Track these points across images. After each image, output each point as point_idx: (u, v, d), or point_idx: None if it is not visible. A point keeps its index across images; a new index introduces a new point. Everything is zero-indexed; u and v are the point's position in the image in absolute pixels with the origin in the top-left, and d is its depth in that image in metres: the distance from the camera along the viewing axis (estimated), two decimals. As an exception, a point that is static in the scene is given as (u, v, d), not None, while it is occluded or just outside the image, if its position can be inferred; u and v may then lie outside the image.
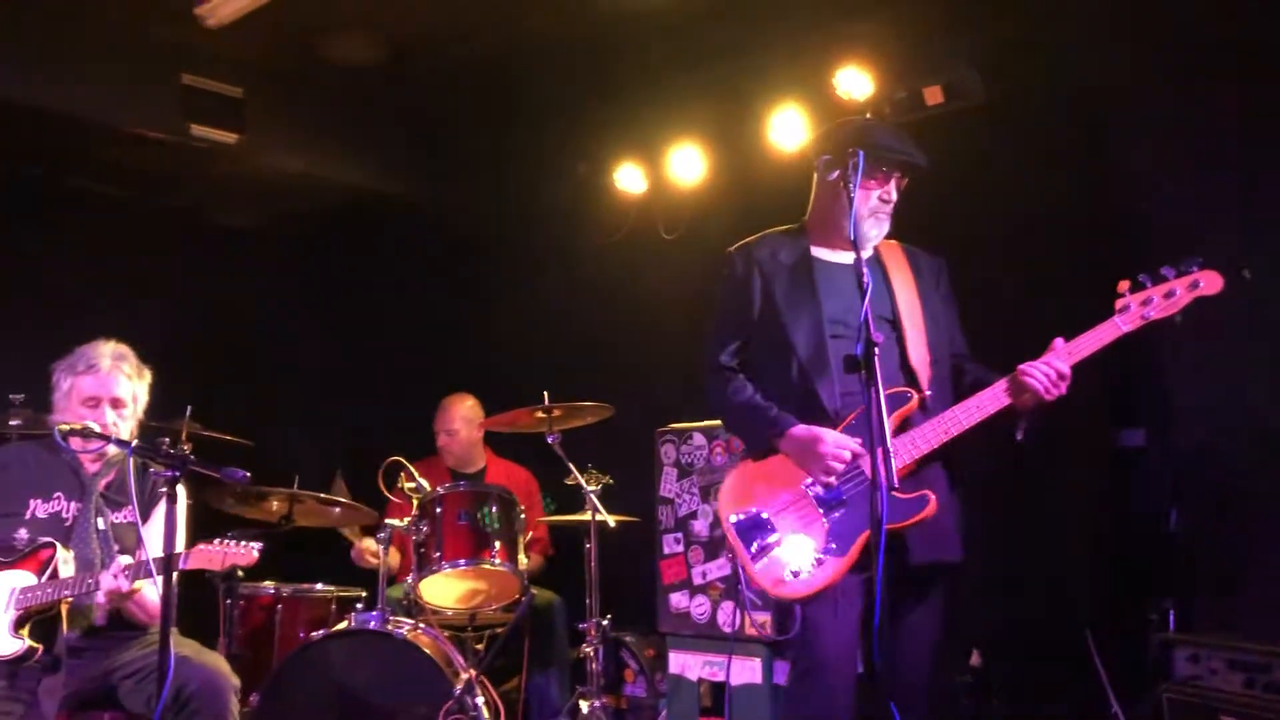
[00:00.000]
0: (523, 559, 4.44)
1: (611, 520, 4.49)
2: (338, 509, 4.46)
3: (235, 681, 3.34)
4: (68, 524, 3.48)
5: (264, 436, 5.25)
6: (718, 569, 4.52)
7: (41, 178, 5.56)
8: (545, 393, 4.49)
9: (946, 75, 4.65)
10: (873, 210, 3.09)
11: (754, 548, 2.99)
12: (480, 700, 3.94)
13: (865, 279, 2.72)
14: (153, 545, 3.32)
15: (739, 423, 3.22)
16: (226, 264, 6.19)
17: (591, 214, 6.15)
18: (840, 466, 2.92)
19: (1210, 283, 2.87)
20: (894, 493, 2.73)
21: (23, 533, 3.42)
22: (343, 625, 4.13)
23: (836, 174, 3.08)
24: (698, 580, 4.58)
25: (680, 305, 5.16)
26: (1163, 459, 4.14)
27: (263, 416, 5.96)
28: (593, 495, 4.48)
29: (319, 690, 3.94)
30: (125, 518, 3.54)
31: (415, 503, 4.37)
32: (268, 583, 4.69)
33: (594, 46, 5.23)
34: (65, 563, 3.36)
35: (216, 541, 3.30)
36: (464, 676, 3.96)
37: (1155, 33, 4.23)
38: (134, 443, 3.24)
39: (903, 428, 2.96)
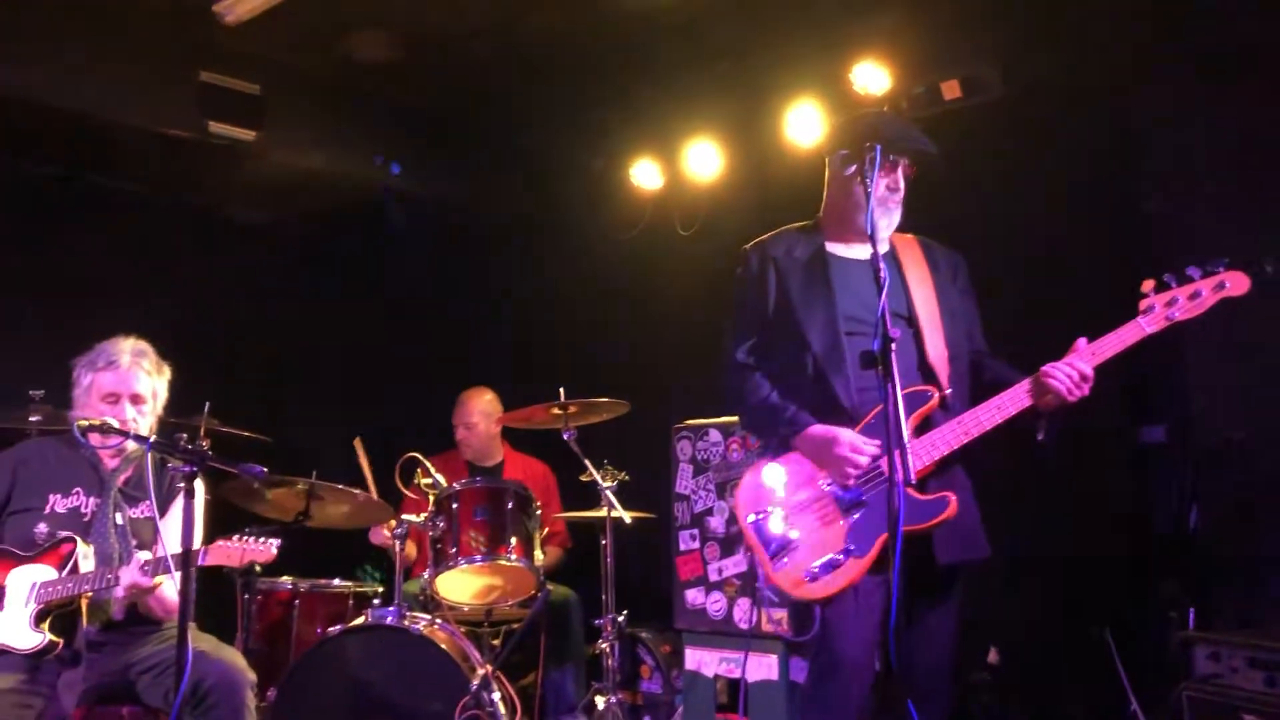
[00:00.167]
0: (539, 555, 4.45)
1: (627, 517, 4.49)
2: (359, 496, 4.45)
3: (252, 676, 3.36)
4: (87, 519, 3.50)
5: (282, 433, 5.27)
6: (734, 565, 4.51)
7: (61, 175, 5.59)
8: (561, 389, 4.49)
9: (964, 70, 4.63)
10: (880, 200, 3.06)
11: (773, 548, 2.98)
12: (496, 696, 3.95)
13: (882, 275, 2.71)
14: (170, 540, 3.34)
15: (756, 421, 3.22)
16: (245, 260, 6.21)
17: (607, 210, 6.14)
18: (857, 471, 2.91)
19: (1236, 284, 2.85)
20: (913, 494, 2.72)
21: (43, 527, 3.45)
22: (359, 621, 4.14)
23: (853, 169, 3.07)
24: (714, 577, 4.57)
25: (696, 301, 5.16)
26: (1183, 456, 4.12)
27: (281, 413, 5.99)
28: (608, 491, 4.47)
29: (336, 685, 3.95)
30: (143, 513, 3.56)
31: (432, 498, 4.38)
32: (285, 578, 4.71)
33: (610, 42, 5.23)
34: (85, 558, 3.39)
35: (235, 538, 3.32)
36: (480, 672, 3.97)
37: (1177, 27, 4.20)
38: (153, 438, 3.25)
39: (923, 427, 2.94)
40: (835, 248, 3.18)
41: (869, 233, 2.84)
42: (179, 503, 3.43)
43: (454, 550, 4.27)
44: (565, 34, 5.21)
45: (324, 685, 3.96)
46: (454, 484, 4.44)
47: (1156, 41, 4.28)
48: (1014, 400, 2.91)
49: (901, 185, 3.10)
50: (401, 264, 6.72)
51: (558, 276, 6.34)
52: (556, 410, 4.52)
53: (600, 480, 4.49)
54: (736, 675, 4.38)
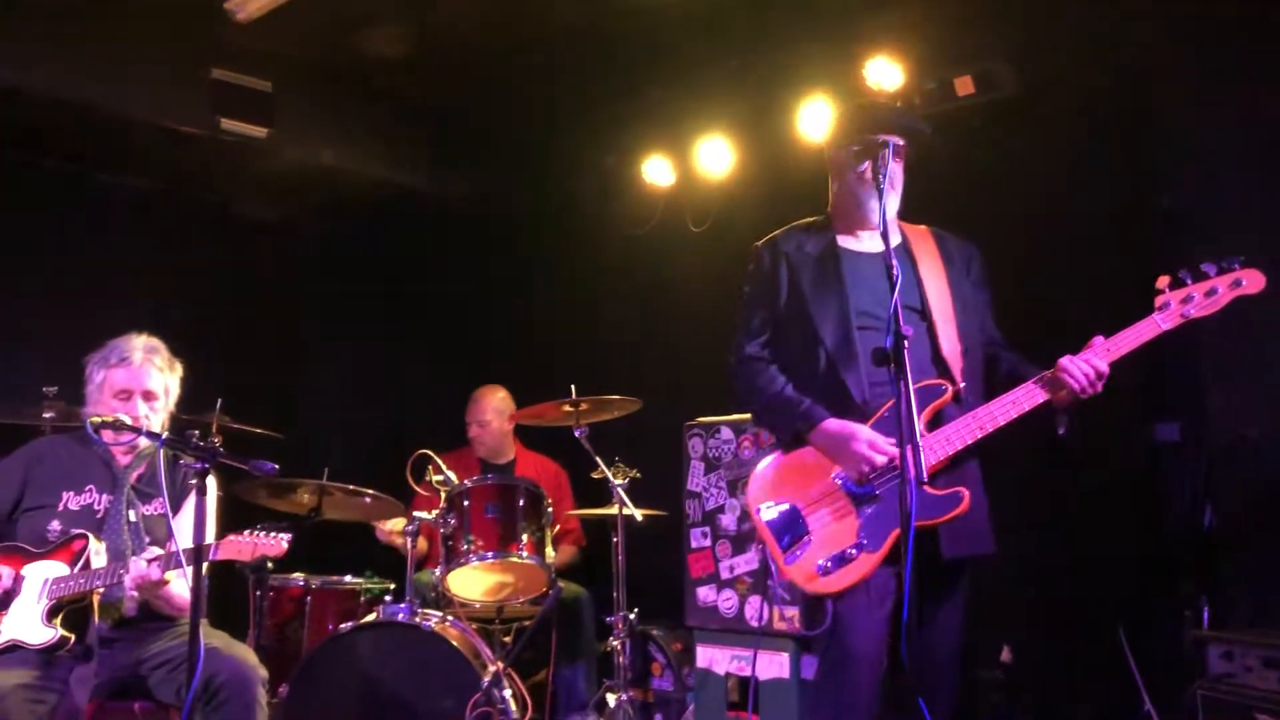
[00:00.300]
0: (550, 552, 4.44)
1: (639, 514, 4.48)
2: (368, 498, 4.47)
3: (264, 672, 3.36)
4: (99, 516, 3.51)
5: (293, 429, 5.28)
6: (745, 563, 4.50)
7: (73, 172, 5.61)
8: (572, 386, 4.49)
9: (978, 65, 4.61)
10: (862, 180, 3.08)
11: (785, 541, 2.97)
12: (508, 693, 3.95)
13: (895, 272, 2.70)
14: (183, 537, 3.34)
15: (769, 414, 3.20)
16: (256, 257, 6.22)
17: (619, 207, 6.14)
18: (869, 469, 2.90)
19: (1253, 281, 2.84)
20: (926, 489, 2.71)
21: (56, 524, 3.45)
22: (371, 617, 4.15)
23: (867, 164, 3.05)
24: (725, 574, 4.57)
25: (708, 298, 5.15)
26: (1198, 453, 4.09)
27: (292, 409, 6.01)
28: (620, 489, 4.47)
29: (347, 681, 3.96)
30: (156, 510, 3.57)
31: (443, 495, 4.39)
32: (297, 574, 4.72)
33: (622, 38, 5.22)
34: (97, 554, 3.39)
35: (246, 533, 3.32)
36: (492, 669, 3.97)
37: (1194, 23, 4.16)
38: (165, 435, 3.26)
39: (936, 421, 2.93)
40: (846, 241, 3.17)
41: (880, 229, 2.83)
42: (191, 499, 3.44)
43: (465, 547, 4.28)
44: (576, 30, 5.20)
45: (335, 681, 3.97)
46: (465, 481, 4.44)
47: (1172, 37, 4.25)
48: (1029, 396, 2.90)
49: (899, 172, 3.11)
50: (412, 261, 6.73)
51: (569, 273, 6.33)
52: (568, 407, 4.51)
53: (611, 477, 4.48)
54: (748, 673, 4.37)
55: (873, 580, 2.89)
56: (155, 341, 3.66)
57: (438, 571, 4.37)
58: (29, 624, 3.27)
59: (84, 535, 3.40)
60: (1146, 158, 4.37)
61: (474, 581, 4.44)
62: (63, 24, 4.88)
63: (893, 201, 3.10)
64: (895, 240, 3.09)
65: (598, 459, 4.48)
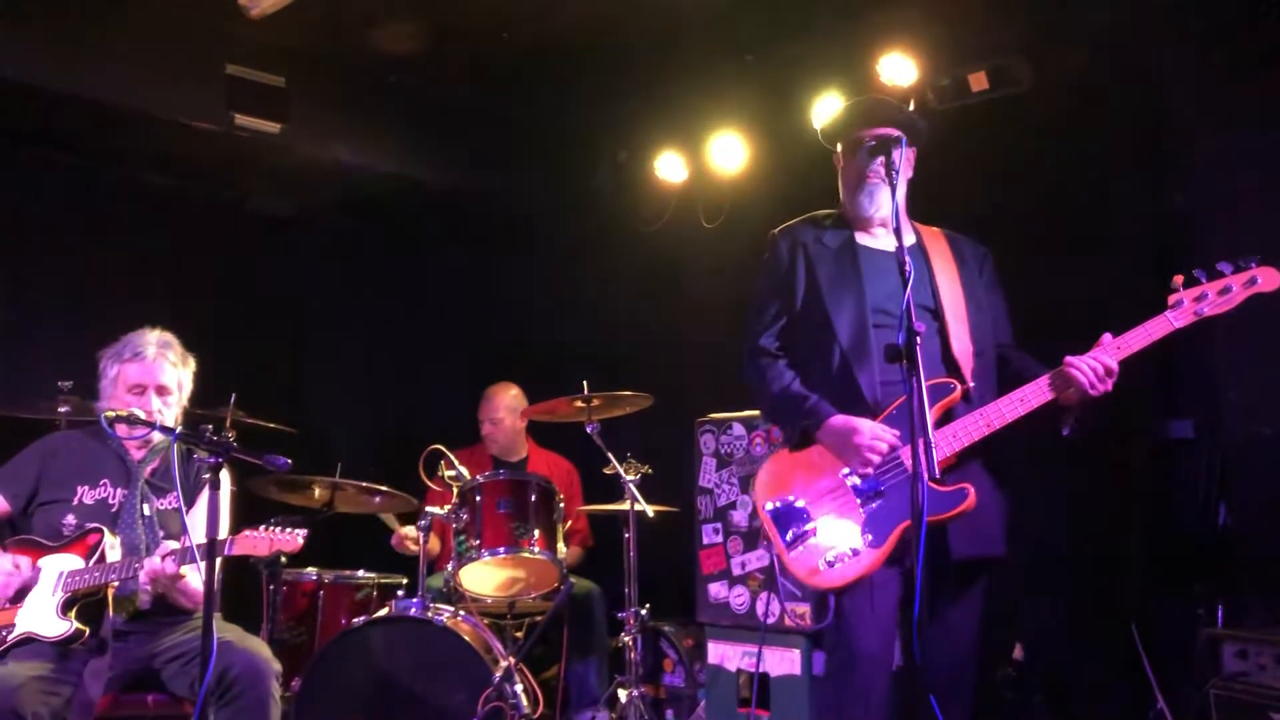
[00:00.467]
0: (561, 548, 4.45)
1: (650, 510, 4.48)
2: (378, 498, 4.49)
3: (277, 666, 3.37)
4: (114, 510, 3.52)
5: (307, 424, 5.29)
6: (757, 559, 4.50)
7: (86, 168, 5.62)
8: (584, 382, 4.49)
9: (992, 61, 4.59)
10: (875, 184, 3.10)
11: (789, 535, 2.97)
12: (519, 688, 3.96)
13: (907, 267, 2.69)
14: (197, 531, 3.35)
15: (776, 411, 3.21)
16: (270, 252, 6.23)
17: (632, 203, 6.13)
18: (877, 458, 2.89)
19: (1268, 280, 2.82)
20: (932, 485, 2.70)
21: (71, 518, 3.47)
22: (383, 612, 4.16)
23: (880, 161, 3.05)
24: (737, 571, 4.57)
25: (721, 294, 5.14)
26: (1212, 452, 4.07)
27: (306, 404, 6.02)
28: (631, 485, 4.47)
29: (359, 676, 3.97)
30: (170, 504, 3.59)
31: (455, 491, 4.40)
32: (310, 569, 4.73)
33: (635, 34, 5.21)
34: (112, 548, 3.41)
35: (262, 528, 3.33)
36: (503, 664, 3.98)
37: (1210, 19, 4.14)
38: (178, 430, 3.27)
39: (946, 419, 2.92)
40: (862, 238, 3.17)
41: (894, 225, 2.83)
42: (205, 494, 3.45)
43: (477, 542, 4.28)
44: (589, 26, 5.20)
45: (348, 675, 3.98)
46: (477, 476, 4.45)
47: (1189, 34, 4.22)
48: (1036, 393, 2.89)
49: (908, 168, 3.12)
50: (425, 256, 6.74)
51: (582, 269, 6.33)
52: (580, 403, 4.52)
53: (623, 473, 4.48)
54: (759, 669, 4.37)
55: (877, 577, 2.89)
56: (168, 336, 3.68)
57: (450, 568, 4.38)
58: (44, 617, 3.30)
59: (99, 529, 3.42)
60: (1161, 155, 4.35)
61: (486, 577, 4.45)
62: (77, 20, 4.89)
63: (898, 196, 3.09)
64: (910, 240, 3.09)
65: (609, 455, 4.48)
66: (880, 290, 3.05)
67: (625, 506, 4.51)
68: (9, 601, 3.33)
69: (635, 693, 4.39)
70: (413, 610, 4.07)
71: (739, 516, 4.59)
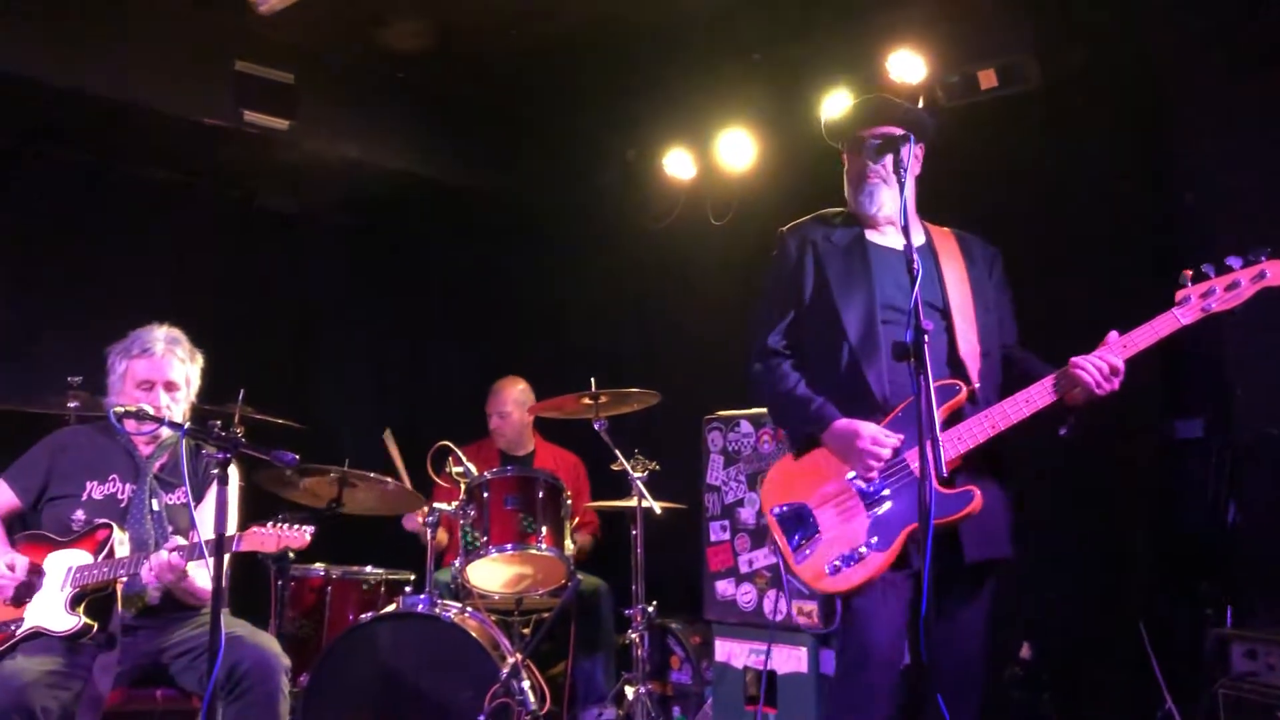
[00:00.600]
0: (569, 544, 4.46)
1: (658, 507, 4.48)
2: (390, 484, 4.48)
3: (286, 661, 3.38)
4: (123, 505, 3.54)
5: (315, 420, 5.30)
6: (764, 557, 4.50)
7: (95, 163, 5.63)
8: (592, 378, 4.50)
9: (1001, 58, 4.57)
10: (877, 182, 3.10)
11: (795, 540, 2.97)
12: (526, 684, 3.97)
13: (915, 265, 2.68)
14: (205, 527, 3.36)
15: (781, 414, 3.21)
16: (278, 249, 6.24)
17: (640, 200, 6.14)
18: (879, 463, 2.88)
19: (1277, 274, 2.78)
20: (938, 487, 2.69)
21: (80, 513, 3.48)
22: (391, 608, 4.17)
23: (881, 160, 3.05)
24: (744, 568, 4.57)
25: (729, 291, 5.14)
26: (1221, 450, 4.06)
27: (314, 400, 6.03)
28: (639, 482, 4.47)
29: (367, 671, 3.98)
30: (178, 499, 3.60)
31: (463, 487, 4.40)
32: (318, 565, 4.74)
33: (643, 31, 5.21)
34: (121, 544, 3.42)
35: (270, 524, 3.34)
36: (510, 660, 3.99)
37: (1210, 19, 4.12)
38: (187, 425, 3.28)
39: (951, 420, 2.91)
40: (871, 235, 3.16)
41: (902, 223, 2.82)
42: (213, 489, 3.45)
43: (485, 539, 4.29)
44: (597, 23, 5.19)
45: (356, 671, 3.99)
46: (485, 473, 4.46)
47: (1198, 32, 4.21)
48: (1041, 394, 2.88)
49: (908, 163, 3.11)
50: (432, 253, 6.74)
51: (589, 266, 6.33)
52: (587, 400, 4.52)
53: (631, 470, 4.48)
54: (766, 667, 4.37)
55: (884, 580, 2.88)
56: (176, 332, 3.69)
57: (457, 563, 4.39)
58: (53, 612, 3.31)
59: (108, 524, 3.43)
60: (1171, 154, 4.34)
61: (493, 573, 4.45)
62: (84, 16, 4.90)
63: (877, 191, 3.10)
64: (919, 239, 3.08)
65: (617, 451, 4.48)
66: (889, 286, 3.04)
67: (633, 503, 4.51)
68: (10, 603, 3.34)
69: (642, 690, 4.40)
70: (420, 606, 4.08)
71: (746, 514, 4.59)
